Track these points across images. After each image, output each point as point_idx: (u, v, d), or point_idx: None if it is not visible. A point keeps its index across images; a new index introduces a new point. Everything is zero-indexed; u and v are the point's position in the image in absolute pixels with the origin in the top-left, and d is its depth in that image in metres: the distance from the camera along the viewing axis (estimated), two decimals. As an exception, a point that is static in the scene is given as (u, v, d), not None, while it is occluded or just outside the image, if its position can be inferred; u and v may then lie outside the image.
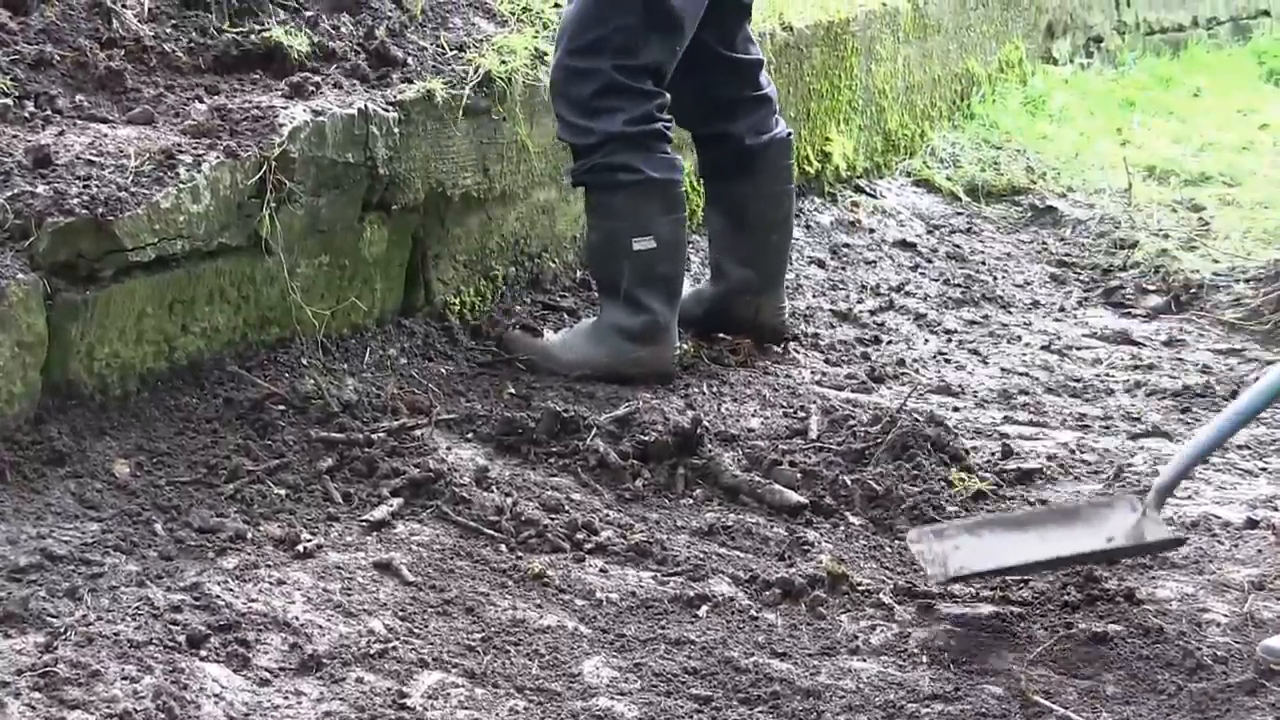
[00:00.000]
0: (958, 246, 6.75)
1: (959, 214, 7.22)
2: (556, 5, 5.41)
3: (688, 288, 5.07)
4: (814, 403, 4.61)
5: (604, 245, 4.69)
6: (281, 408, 3.90)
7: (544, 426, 4.12)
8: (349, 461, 3.77)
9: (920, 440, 4.19)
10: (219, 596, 3.02)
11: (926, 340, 5.56)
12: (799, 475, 4.08)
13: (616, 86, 4.59)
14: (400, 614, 3.15)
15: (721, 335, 5.13)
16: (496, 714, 2.85)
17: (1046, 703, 3.07)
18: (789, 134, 5.19)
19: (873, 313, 5.75)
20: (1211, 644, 3.28)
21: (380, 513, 3.55)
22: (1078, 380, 5.18)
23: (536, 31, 5.14)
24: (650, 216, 4.63)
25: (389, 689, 2.86)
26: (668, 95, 4.71)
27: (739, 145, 5.05)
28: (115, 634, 2.79)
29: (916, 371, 5.16)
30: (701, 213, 5.49)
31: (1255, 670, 3.13)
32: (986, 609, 3.47)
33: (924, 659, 3.25)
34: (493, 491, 3.78)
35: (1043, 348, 5.55)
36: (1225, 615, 3.43)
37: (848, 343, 5.39)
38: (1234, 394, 4.99)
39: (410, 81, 4.54)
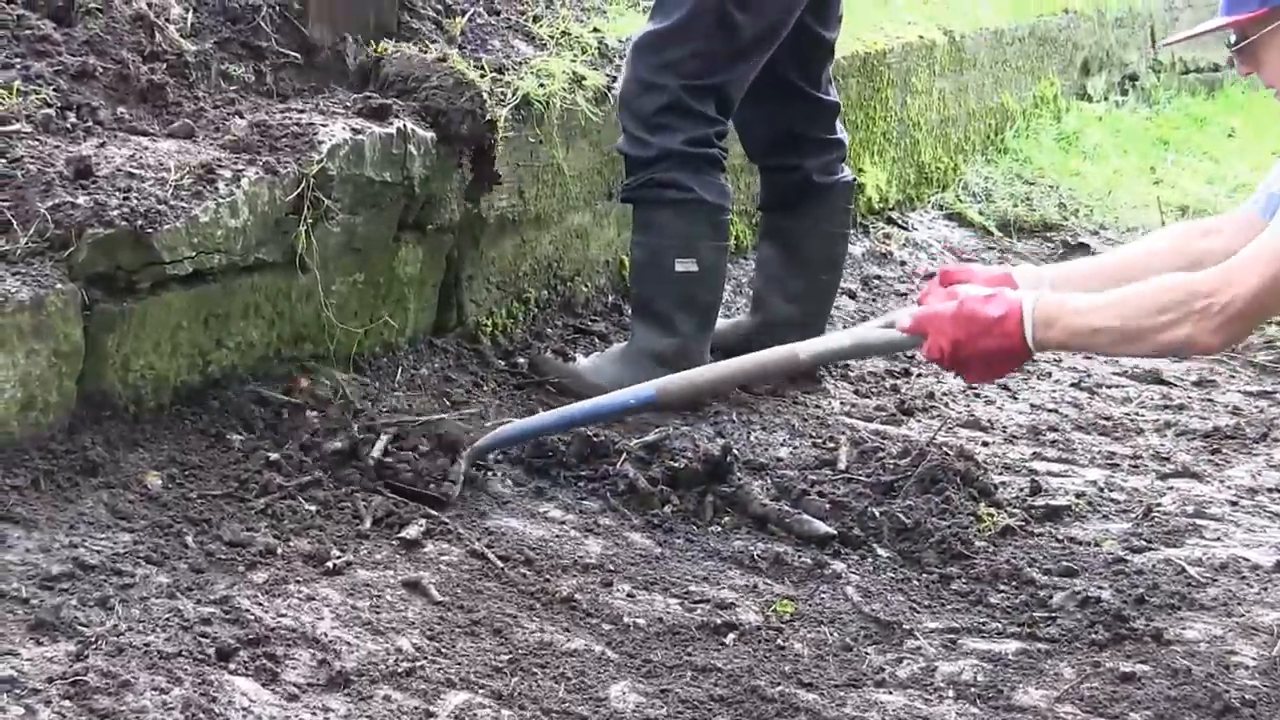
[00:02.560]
0: (989, 281, 6.73)
1: (990, 248, 7.22)
2: (595, 30, 5.43)
3: (721, 319, 5.08)
4: (843, 434, 4.60)
5: (647, 264, 4.69)
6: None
7: (574, 450, 4.13)
8: (379, 479, 3.79)
9: (949, 474, 4.19)
10: (248, 610, 3.03)
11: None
12: (827, 506, 4.08)
13: (681, 106, 4.62)
14: (428, 633, 3.15)
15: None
16: (522, 736, 2.86)
17: (1073, 741, 3.07)
18: (854, 180, 5.23)
19: (903, 345, 5.74)
20: (1240, 686, 3.27)
21: (410, 532, 3.55)
22: (1107, 419, 5.17)
23: (575, 56, 5.16)
24: (696, 239, 4.64)
25: (416, 708, 2.86)
26: (729, 124, 4.75)
27: (806, 180, 5.09)
28: (145, 645, 2.79)
29: (946, 405, 5.15)
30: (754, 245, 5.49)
31: (1284, 714, 3.13)
32: (1013, 645, 3.47)
33: (950, 693, 3.24)
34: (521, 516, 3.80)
35: (1073, 385, 5.54)
36: (1254, 658, 3.42)
37: (877, 374, 5.38)
38: (1264, 436, 4.99)
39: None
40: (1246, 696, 3.22)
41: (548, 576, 3.53)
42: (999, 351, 3.39)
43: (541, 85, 4.83)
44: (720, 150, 4.72)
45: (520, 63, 4.91)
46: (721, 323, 4.98)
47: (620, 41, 5.46)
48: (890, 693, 3.22)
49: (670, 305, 4.65)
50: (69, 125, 3.81)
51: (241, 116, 4.11)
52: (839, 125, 5.18)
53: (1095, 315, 3.30)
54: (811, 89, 5.04)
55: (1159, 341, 3.25)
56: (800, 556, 3.85)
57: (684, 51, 4.61)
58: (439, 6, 4.93)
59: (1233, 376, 5.72)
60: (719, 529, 3.97)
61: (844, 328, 5.77)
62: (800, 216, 5.11)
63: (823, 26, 4.98)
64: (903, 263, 6.70)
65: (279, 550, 3.32)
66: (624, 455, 4.15)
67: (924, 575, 3.82)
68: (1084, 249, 7.26)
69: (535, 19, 5.27)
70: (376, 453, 3.78)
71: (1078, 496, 4.35)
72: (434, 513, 3.66)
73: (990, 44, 8.22)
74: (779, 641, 3.40)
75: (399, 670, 2.97)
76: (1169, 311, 3.20)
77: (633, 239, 4.80)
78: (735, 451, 4.22)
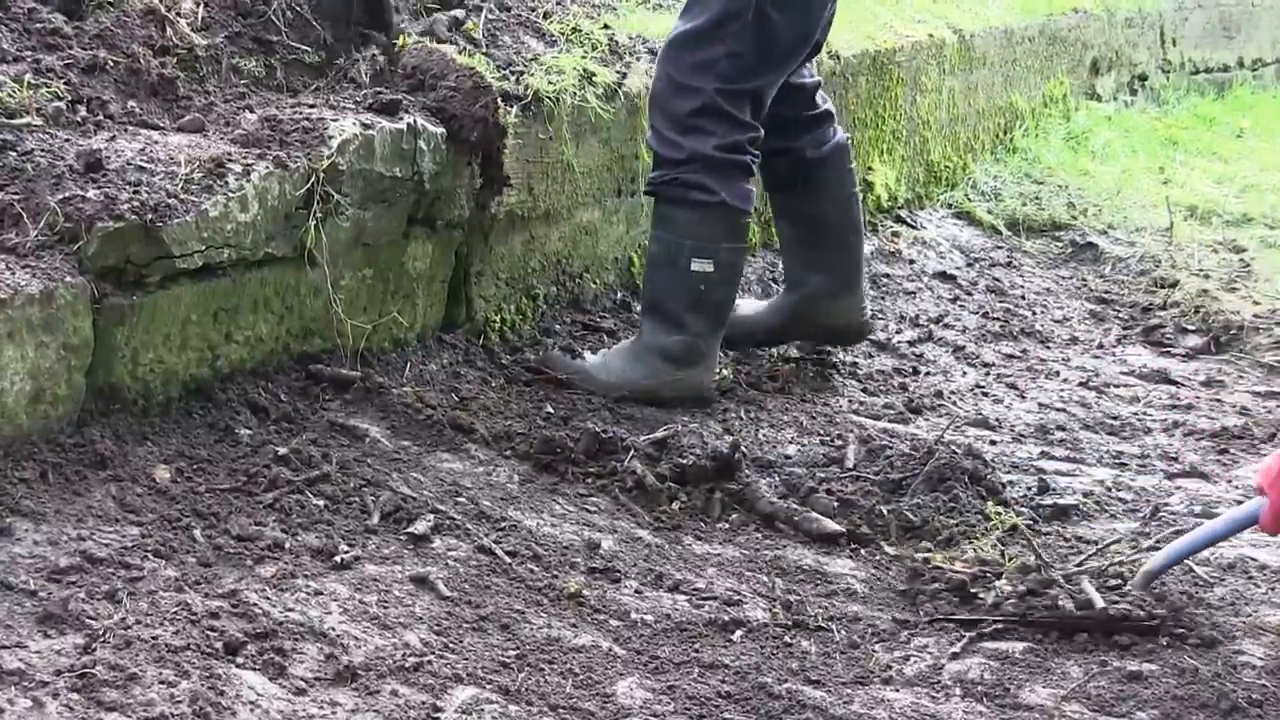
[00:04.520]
0: (997, 280, 6.74)
1: (999, 247, 7.22)
2: (606, 26, 5.42)
3: (759, 302, 5.23)
4: (851, 431, 4.60)
5: (663, 260, 4.70)
6: (322, 419, 3.92)
7: (583, 447, 4.13)
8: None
9: (957, 473, 4.18)
10: (256, 604, 3.03)
11: (964, 373, 5.56)
12: (835, 504, 4.08)
13: (716, 109, 4.63)
14: (436, 628, 3.15)
15: (765, 357, 5.16)
16: (530, 731, 2.86)
17: (1080, 739, 3.06)
18: (847, 138, 5.25)
19: (911, 344, 5.75)
20: (1247, 686, 3.26)
21: (418, 527, 3.55)
22: (1115, 418, 5.16)
23: (585, 52, 5.15)
24: (714, 240, 4.65)
25: (423, 702, 2.86)
26: (762, 130, 4.75)
27: (800, 157, 5.11)
28: (153, 638, 2.80)
29: (954, 404, 5.15)
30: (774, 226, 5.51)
31: (1291, 714, 3.12)
32: (1020, 644, 3.46)
33: (957, 691, 3.24)
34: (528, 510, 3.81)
35: (1081, 384, 5.54)
36: (1261, 658, 3.41)
37: (885, 372, 5.39)
38: (1272, 436, 4.99)
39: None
40: (1254, 696, 3.21)
41: (555, 572, 3.53)
42: None
43: (551, 82, 4.83)
44: (752, 157, 4.72)
45: (531, 59, 4.91)
46: (759, 306, 5.16)
47: (630, 38, 5.46)
48: (897, 690, 3.22)
49: (681, 304, 4.66)
50: (79, 119, 3.81)
51: (252, 111, 4.12)
52: (820, 97, 5.18)
53: None
54: (791, 77, 5.01)
55: None
56: (808, 554, 3.85)
57: (719, 52, 4.62)
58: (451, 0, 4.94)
59: (1241, 377, 5.72)
60: (727, 526, 3.97)
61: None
62: (806, 193, 5.15)
63: None
64: (911, 261, 6.69)
65: (287, 544, 3.32)
66: (632, 452, 4.15)
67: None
68: (1092, 248, 7.26)
69: (546, 15, 5.27)
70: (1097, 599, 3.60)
71: (1085, 496, 4.35)
72: (441, 508, 3.67)
73: (1000, 43, 8.21)
74: (786, 639, 3.40)
75: (406, 665, 2.97)
76: None
77: (651, 233, 4.80)
78: (743, 449, 4.22)
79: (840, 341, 5.24)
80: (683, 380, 4.66)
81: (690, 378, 4.67)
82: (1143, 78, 10.27)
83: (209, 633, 2.88)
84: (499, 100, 4.46)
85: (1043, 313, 6.44)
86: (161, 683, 2.67)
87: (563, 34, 5.21)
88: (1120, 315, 6.50)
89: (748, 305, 5.36)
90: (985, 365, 5.69)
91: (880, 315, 6.01)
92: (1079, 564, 3.77)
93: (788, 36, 4.67)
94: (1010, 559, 3.76)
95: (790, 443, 4.54)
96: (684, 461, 4.13)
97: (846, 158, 5.22)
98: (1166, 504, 4.34)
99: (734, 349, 5.20)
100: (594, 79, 5.02)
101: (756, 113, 4.72)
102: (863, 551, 3.90)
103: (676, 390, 4.65)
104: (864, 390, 5.18)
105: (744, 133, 4.68)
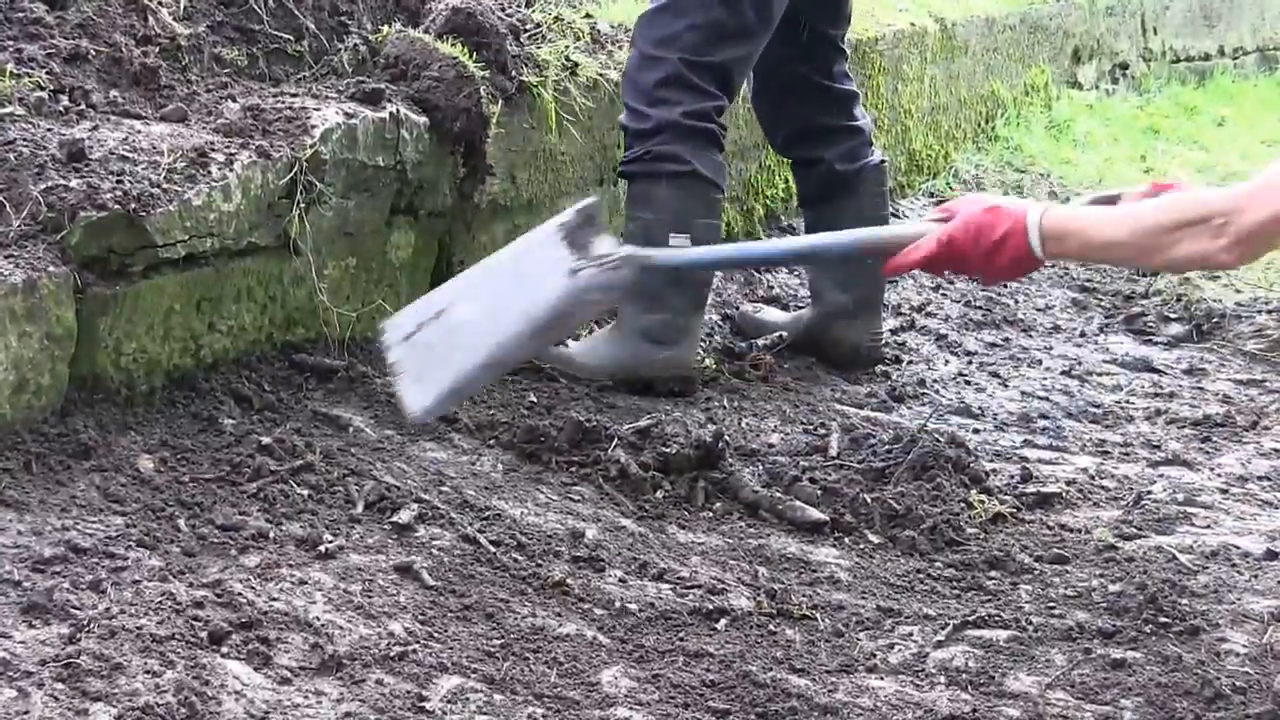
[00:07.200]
0: (979, 269, 6.74)
1: (981, 236, 7.21)
2: (588, 16, 5.42)
3: (783, 313, 5.34)
4: (834, 420, 4.61)
5: (640, 238, 4.68)
6: (305, 408, 3.92)
7: (566, 436, 4.13)
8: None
9: (941, 461, 4.19)
10: (241, 594, 3.02)
11: (947, 361, 5.56)
12: (819, 492, 4.08)
13: (681, 79, 4.67)
14: (420, 618, 3.15)
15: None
16: (515, 720, 2.86)
17: (1064, 727, 3.07)
18: (882, 161, 5.32)
19: (893, 332, 5.75)
20: (1230, 673, 3.27)
21: (402, 516, 3.55)
22: (1098, 406, 5.18)
23: (568, 42, 5.15)
24: (690, 214, 4.66)
25: (408, 691, 2.86)
26: (727, 102, 4.80)
27: (831, 171, 5.19)
28: (138, 628, 2.79)
29: (937, 392, 5.15)
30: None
31: (1274, 702, 3.12)
32: (1005, 631, 3.47)
33: (942, 679, 3.24)
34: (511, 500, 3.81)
35: (1063, 373, 5.55)
36: (1244, 646, 3.43)
37: (868, 361, 5.39)
38: (1254, 424, 5.00)
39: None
40: (1236, 683, 3.22)
41: (540, 561, 3.53)
42: (1008, 264, 3.20)
43: (534, 71, 4.83)
44: (718, 126, 4.75)
45: (514, 49, 4.89)
46: (783, 316, 5.24)
47: (612, 27, 5.46)
48: (882, 679, 3.23)
49: (662, 282, 4.65)
50: (62, 108, 3.80)
51: (234, 100, 4.11)
52: (858, 112, 5.27)
53: (1107, 228, 3.13)
54: (826, 81, 5.16)
55: (1173, 256, 3.13)
56: (792, 543, 3.85)
57: (683, 25, 4.67)
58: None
59: (1223, 365, 5.73)
60: (710, 515, 3.98)
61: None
62: (834, 208, 5.19)
63: (829, 25, 5.13)
64: (894, 250, 6.69)
65: (271, 534, 3.32)
66: (615, 441, 4.15)
67: (915, 562, 3.83)
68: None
69: (528, 3, 5.27)
70: None
71: (1068, 484, 4.36)
72: (426, 497, 3.66)
73: (981, 31, 8.22)
74: (771, 627, 3.40)
75: (391, 654, 2.97)
76: (1184, 228, 3.09)
77: (627, 214, 4.80)
78: (726, 438, 4.22)
79: (849, 364, 5.23)
80: (665, 359, 4.66)
81: (672, 356, 4.67)
82: (1124, 66, 10.29)
83: (193, 622, 2.88)
84: (481, 90, 4.46)
85: (1025, 301, 6.45)
86: (146, 673, 2.67)
87: (545, 23, 5.20)
88: (1102, 304, 6.51)
89: (771, 313, 5.47)
90: (968, 354, 5.70)
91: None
92: None
93: (749, 13, 4.71)
94: None
95: (773, 431, 4.54)
96: (667, 450, 4.13)
97: (879, 180, 5.30)
98: (1149, 492, 4.35)
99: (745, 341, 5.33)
100: (576, 69, 5.02)
101: (723, 87, 4.76)
102: (847, 540, 3.91)
103: (659, 369, 4.65)
104: (846, 379, 5.18)
105: (709, 101, 4.72)
